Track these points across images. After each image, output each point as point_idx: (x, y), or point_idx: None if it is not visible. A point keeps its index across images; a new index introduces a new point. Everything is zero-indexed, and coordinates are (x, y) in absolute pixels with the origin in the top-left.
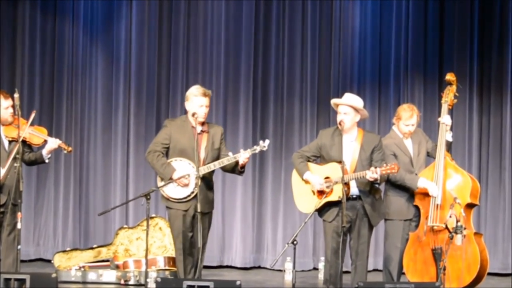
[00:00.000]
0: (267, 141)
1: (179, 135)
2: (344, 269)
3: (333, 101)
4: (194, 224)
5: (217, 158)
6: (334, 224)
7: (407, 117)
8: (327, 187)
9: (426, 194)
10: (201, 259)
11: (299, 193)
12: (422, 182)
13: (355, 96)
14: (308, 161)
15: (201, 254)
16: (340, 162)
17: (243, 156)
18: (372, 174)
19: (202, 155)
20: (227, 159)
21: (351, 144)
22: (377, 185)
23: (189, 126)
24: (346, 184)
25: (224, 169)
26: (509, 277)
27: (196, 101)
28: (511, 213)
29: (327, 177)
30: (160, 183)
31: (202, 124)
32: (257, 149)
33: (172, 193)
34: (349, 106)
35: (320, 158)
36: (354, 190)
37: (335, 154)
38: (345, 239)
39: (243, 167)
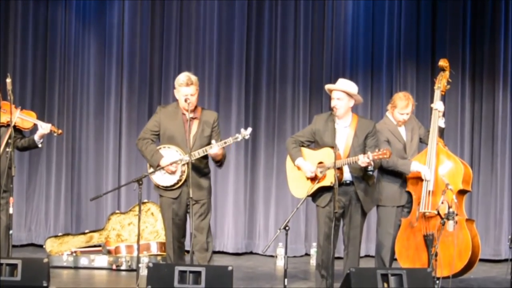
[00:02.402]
0: (249, 129)
1: (169, 121)
2: (337, 255)
3: (327, 86)
4: (187, 212)
5: (207, 144)
6: (327, 210)
7: (403, 106)
8: (321, 172)
9: (418, 180)
10: (208, 243)
11: (293, 178)
12: (415, 166)
13: (349, 82)
14: (302, 146)
15: (207, 241)
16: (333, 147)
17: (212, 150)
18: (364, 158)
19: (190, 142)
20: (209, 147)
21: (345, 130)
22: (370, 173)
23: (180, 112)
24: (339, 169)
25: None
26: (500, 263)
27: (181, 90)
28: (503, 199)
29: (320, 162)
30: (150, 170)
31: (194, 110)
32: (239, 137)
33: (160, 180)
34: (342, 92)
35: (314, 143)
36: (347, 176)
37: (328, 139)
38: (338, 224)
39: (218, 161)
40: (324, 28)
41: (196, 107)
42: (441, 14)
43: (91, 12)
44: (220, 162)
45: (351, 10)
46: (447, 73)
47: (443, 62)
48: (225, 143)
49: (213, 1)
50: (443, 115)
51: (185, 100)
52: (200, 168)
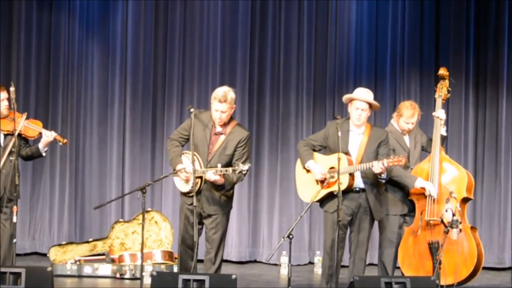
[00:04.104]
0: (247, 165)
1: (198, 130)
2: (343, 264)
3: (348, 96)
4: (201, 221)
5: (228, 164)
6: (335, 216)
7: (409, 116)
8: (331, 177)
9: (421, 189)
10: (216, 257)
11: (302, 182)
12: (420, 183)
13: (369, 91)
14: (314, 150)
15: (215, 255)
16: (346, 153)
17: (207, 175)
18: (379, 165)
19: (210, 157)
20: (206, 170)
21: (358, 137)
22: (383, 180)
23: (211, 123)
24: (351, 175)
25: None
26: (504, 272)
27: (214, 104)
28: (507, 207)
29: (332, 167)
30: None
31: (225, 125)
32: (237, 170)
33: (179, 185)
34: (367, 103)
35: (326, 148)
36: (358, 182)
37: (341, 145)
38: (345, 231)
39: (220, 186)
40: (328, 35)
41: (230, 120)
42: (444, 21)
43: (95, 20)
44: (222, 186)
45: (354, 18)
46: (447, 81)
47: (442, 71)
48: (226, 170)
49: (216, 9)
50: (446, 123)
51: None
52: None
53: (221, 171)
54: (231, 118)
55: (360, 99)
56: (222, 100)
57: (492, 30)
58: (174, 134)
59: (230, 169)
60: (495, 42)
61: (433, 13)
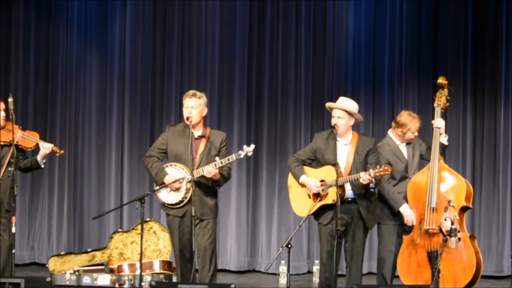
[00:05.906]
0: (252, 146)
1: (176, 140)
2: (339, 273)
3: (328, 104)
4: (193, 230)
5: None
6: (329, 227)
7: (417, 127)
8: (322, 190)
9: (419, 197)
10: (211, 263)
11: (295, 197)
12: (404, 209)
13: (350, 100)
14: (304, 164)
15: (210, 261)
16: (334, 165)
17: (206, 169)
18: (365, 176)
19: (196, 161)
20: (207, 166)
21: (346, 147)
22: (372, 190)
23: (188, 131)
24: (341, 187)
25: None
26: (503, 280)
27: (184, 103)
28: (505, 215)
29: (322, 180)
30: (156, 188)
31: (202, 129)
32: (241, 154)
33: (166, 198)
34: (343, 110)
35: (316, 161)
36: (349, 193)
37: (330, 157)
38: (340, 242)
39: (216, 181)
40: (326, 44)
41: (204, 126)
42: (442, 31)
43: (93, 30)
44: (217, 182)
45: (352, 27)
46: (446, 90)
47: (442, 80)
48: (228, 160)
49: (214, 18)
50: (445, 132)
51: (187, 119)
52: (206, 186)
53: (221, 162)
54: (205, 125)
55: (334, 106)
56: (191, 94)
57: (489, 38)
58: (152, 150)
59: (233, 155)
60: (493, 51)
61: (431, 21)
